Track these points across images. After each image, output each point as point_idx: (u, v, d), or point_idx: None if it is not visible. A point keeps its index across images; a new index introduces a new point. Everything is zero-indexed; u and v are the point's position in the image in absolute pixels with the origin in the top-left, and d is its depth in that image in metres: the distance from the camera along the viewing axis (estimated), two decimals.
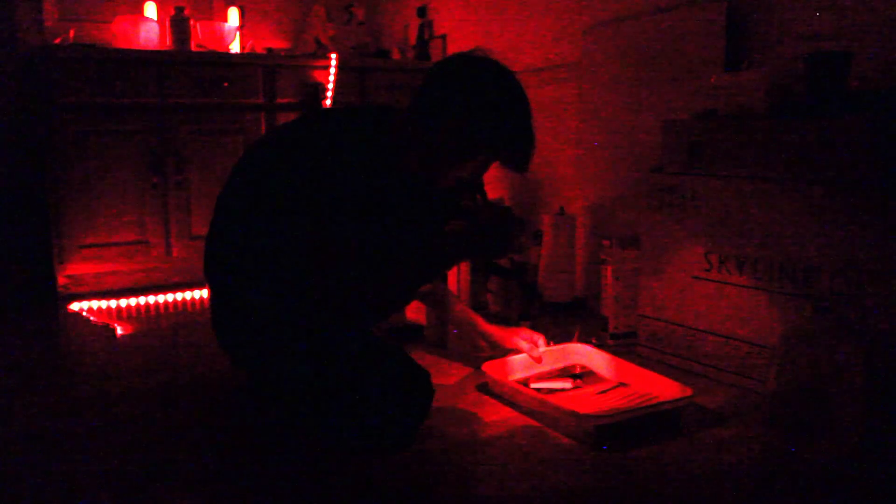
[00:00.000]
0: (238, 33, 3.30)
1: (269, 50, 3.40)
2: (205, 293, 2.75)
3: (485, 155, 1.49)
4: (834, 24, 1.81)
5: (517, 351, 1.83)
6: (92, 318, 2.49)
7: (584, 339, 1.93)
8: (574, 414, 1.50)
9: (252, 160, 1.56)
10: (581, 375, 1.78)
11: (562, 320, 2.35)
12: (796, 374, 1.40)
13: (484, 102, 1.43)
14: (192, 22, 3.09)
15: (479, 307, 2.39)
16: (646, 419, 1.51)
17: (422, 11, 3.52)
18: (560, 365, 1.83)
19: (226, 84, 2.93)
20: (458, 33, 3.35)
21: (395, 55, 3.62)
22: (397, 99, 3.39)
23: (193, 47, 3.09)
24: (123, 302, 2.65)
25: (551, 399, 1.59)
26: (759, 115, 1.72)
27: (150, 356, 2.07)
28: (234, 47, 3.28)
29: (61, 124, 2.67)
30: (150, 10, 3.15)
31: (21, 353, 2.13)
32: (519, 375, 1.77)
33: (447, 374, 1.86)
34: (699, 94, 2.06)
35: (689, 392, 1.56)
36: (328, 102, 3.17)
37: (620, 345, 2.07)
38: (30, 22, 2.99)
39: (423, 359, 1.97)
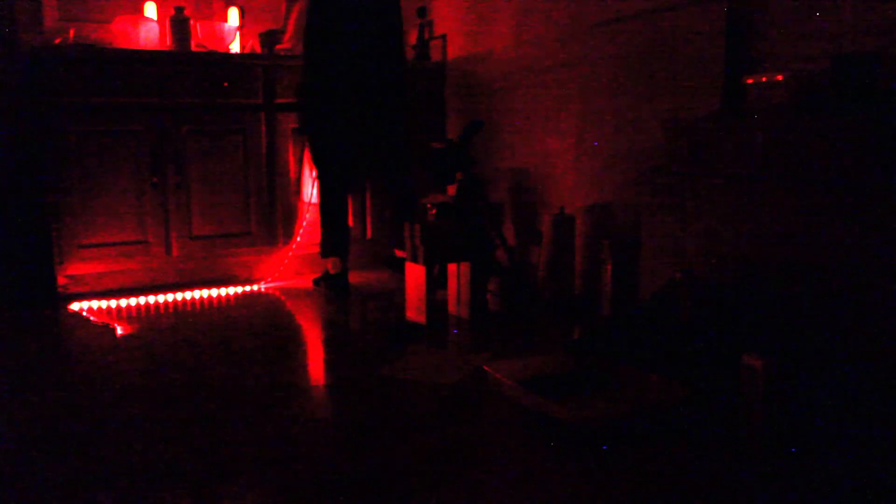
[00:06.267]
0: (238, 33, 3.30)
1: (270, 50, 3.40)
2: (204, 293, 2.74)
3: None
4: (834, 24, 1.81)
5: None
6: (92, 318, 2.49)
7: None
8: (574, 414, 1.50)
9: None
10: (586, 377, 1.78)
11: (562, 320, 2.35)
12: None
13: None
14: (192, 22, 3.09)
15: (480, 307, 2.39)
16: (644, 419, 1.51)
17: (422, 11, 3.52)
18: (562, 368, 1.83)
19: (226, 84, 2.93)
20: (458, 33, 3.35)
21: None
22: None
23: (193, 47, 3.09)
24: (123, 302, 2.65)
25: (551, 400, 1.59)
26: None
27: (150, 356, 2.07)
28: (234, 47, 3.28)
29: (61, 124, 2.67)
30: (150, 10, 3.15)
31: (21, 353, 2.13)
32: (519, 375, 1.76)
33: (447, 374, 1.86)
34: (700, 93, 2.06)
35: (686, 392, 1.56)
36: None
37: None
38: (30, 22, 2.99)
39: (423, 359, 1.97)
